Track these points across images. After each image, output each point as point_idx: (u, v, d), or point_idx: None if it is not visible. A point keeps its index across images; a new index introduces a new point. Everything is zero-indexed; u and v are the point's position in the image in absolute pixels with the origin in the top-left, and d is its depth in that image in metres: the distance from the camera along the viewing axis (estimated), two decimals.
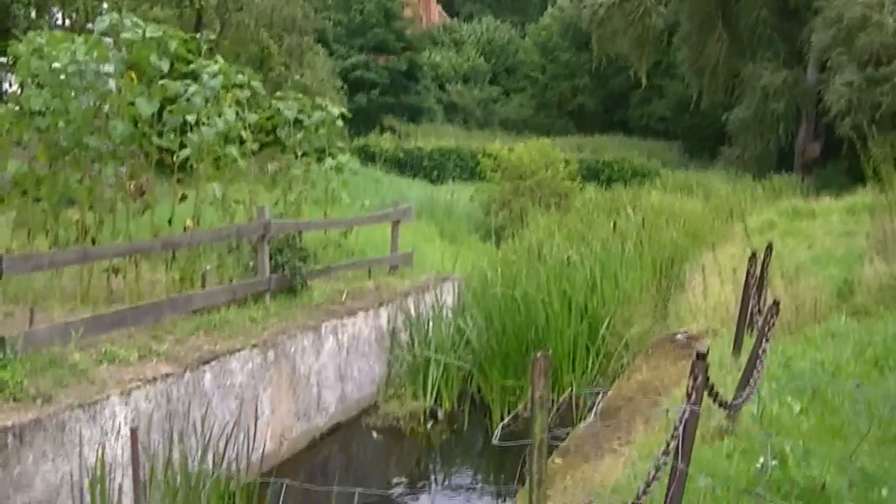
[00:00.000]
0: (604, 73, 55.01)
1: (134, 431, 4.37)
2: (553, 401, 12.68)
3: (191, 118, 12.13)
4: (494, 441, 5.12)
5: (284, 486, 8.13)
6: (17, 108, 11.54)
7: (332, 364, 12.47)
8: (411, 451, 12.58)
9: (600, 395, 10.96)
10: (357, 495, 6.73)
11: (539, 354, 3.62)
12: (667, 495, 5.98)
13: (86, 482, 8.08)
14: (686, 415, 5.74)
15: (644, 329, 14.19)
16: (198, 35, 13.98)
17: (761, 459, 7.14)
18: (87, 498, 8.05)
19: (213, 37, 17.40)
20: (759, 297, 10.72)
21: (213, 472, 9.12)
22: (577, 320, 14.04)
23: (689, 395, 5.85)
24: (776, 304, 8.01)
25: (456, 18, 72.93)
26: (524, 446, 5.75)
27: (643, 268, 16.25)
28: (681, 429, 5.68)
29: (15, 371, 8.32)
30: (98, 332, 9.74)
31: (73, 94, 11.35)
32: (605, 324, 14.10)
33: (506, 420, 6.68)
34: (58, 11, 29.01)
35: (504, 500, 10.40)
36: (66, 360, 8.95)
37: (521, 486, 7.95)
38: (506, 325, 14.10)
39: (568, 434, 9.50)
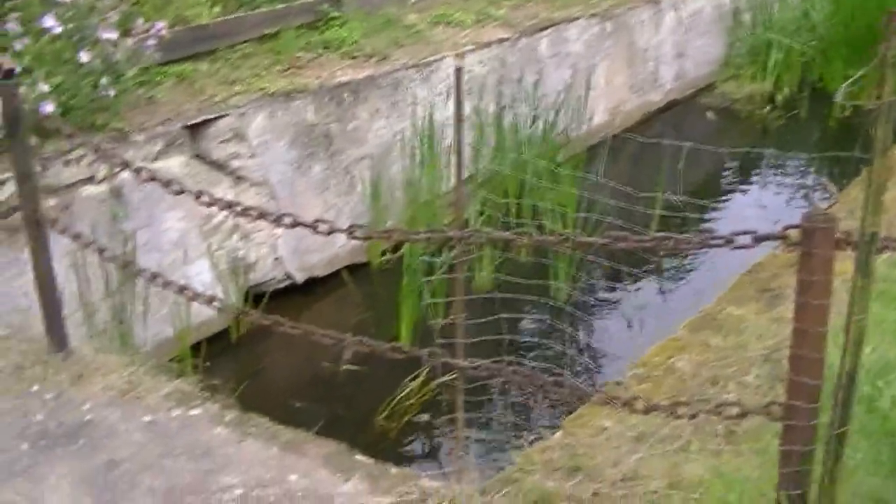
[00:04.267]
0: None
1: (459, 70, 3.61)
2: None
3: None
4: (837, 98, 4.10)
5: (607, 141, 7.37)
6: None
7: (670, 40, 11.30)
8: (745, 134, 11.43)
9: None
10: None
11: (893, 13, 2.55)
12: None
13: (416, 141, 7.58)
14: None
15: None
16: None
17: None
18: (417, 156, 7.57)
19: None
20: None
21: (542, 139, 8.45)
22: None
23: None
24: None
25: None
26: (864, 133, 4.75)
27: None
28: None
29: (352, 30, 7.79)
30: None
31: None
32: None
33: (848, 81, 5.63)
34: None
35: (841, 185, 9.22)
36: (402, 21, 8.34)
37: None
38: (855, 11, 12.32)
39: None
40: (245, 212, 3.63)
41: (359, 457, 3.77)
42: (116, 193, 5.95)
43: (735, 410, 3.05)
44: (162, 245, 6.09)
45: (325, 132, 6.96)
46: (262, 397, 5.62)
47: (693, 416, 3.17)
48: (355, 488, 3.55)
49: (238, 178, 6.53)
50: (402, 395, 5.60)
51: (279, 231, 6.74)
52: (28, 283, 5.49)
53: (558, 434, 4.21)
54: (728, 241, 2.95)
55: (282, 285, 6.91)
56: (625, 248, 3.10)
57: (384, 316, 6.58)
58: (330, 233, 3.43)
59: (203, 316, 6.24)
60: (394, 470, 3.74)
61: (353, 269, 7.27)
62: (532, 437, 4.36)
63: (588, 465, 3.86)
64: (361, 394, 5.90)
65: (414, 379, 5.62)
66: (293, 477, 3.60)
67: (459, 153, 3.62)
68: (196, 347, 6.15)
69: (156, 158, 6.09)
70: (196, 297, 3.93)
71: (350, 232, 3.45)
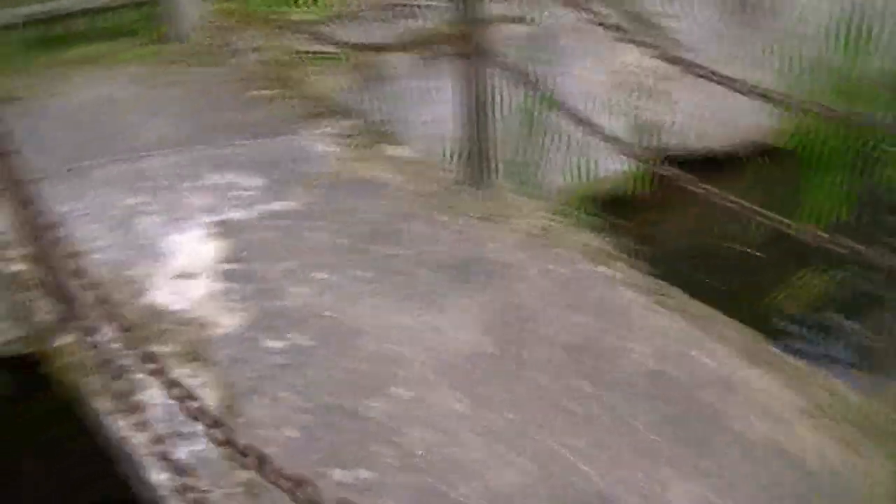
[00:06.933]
0: None
1: None
2: None
3: None
4: None
5: None
6: None
7: None
8: None
9: None
10: None
11: None
12: None
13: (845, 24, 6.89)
14: None
15: None
16: None
17: None
18: (843, 40, 6.88)
19: None
20: None
21: None
22: None
23: None
24: None
25: None
26: None
27: None
28: None
29: None
30: None
31: None
32: None
33: None
34: None
35: None
36: None
37: None
38: None
39: None
40: (707, 75, 3.34)
41: (771, 348, 3.43)
42: (537, 38, 5.79)
43: None
44: (573, 96, 5.87)
45: (755, 3, 6.44)
46: (654, 264, 5.37)
47: None
48: (764, 379, 3.23)
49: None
50: (800, 288, 5.18)
51: (683, 99, 6.37)
52: (432, 112, 5.47)
53: None
54: None
55: (680, 155, 6.54)
56: None
57: (786, 204, 6.08)
58: (807, 110, 3.08)
59: (601, 174, 6.04)
60: (806, 367, 3.39)
61: (755, 150, 6.77)
62: None
63: None
64: (758, 281, 5.50)
65: (814, 273, 5.21)
66: (700, 355, 3.32)
67: None
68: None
69: None
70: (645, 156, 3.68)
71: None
